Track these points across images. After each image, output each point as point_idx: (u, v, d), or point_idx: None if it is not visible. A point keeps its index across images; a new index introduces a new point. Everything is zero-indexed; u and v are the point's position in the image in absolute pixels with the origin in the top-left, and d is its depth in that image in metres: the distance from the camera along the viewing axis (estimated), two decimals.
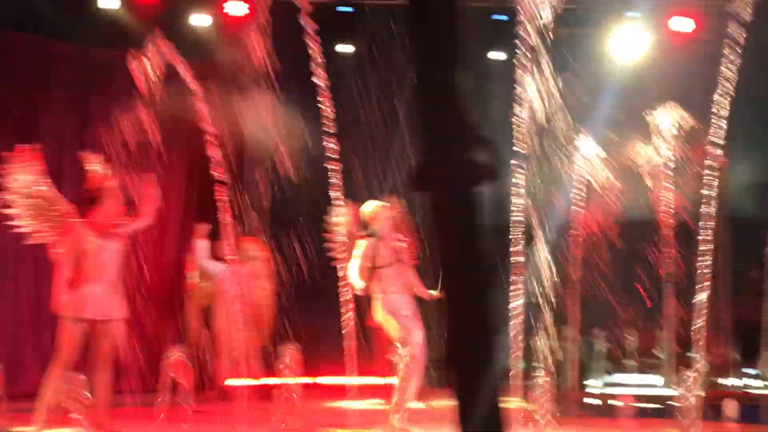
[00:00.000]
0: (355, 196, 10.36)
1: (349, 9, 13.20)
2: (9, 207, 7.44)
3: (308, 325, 10.77)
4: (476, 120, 2.01)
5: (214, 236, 10.79)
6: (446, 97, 2.00)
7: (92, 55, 11.51)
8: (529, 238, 8.50)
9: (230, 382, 10.12)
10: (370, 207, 8.16)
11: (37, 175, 7.46)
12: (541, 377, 6.04)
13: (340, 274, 8.82)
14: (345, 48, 13.12)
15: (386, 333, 9.31)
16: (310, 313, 11.56)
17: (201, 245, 9.82)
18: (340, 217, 9.59)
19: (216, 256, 10.05)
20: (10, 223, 7.74)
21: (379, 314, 7.91)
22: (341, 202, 9.64)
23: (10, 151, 7.59)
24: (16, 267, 10.64)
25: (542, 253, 9.05)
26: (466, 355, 2.05)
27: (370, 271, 7.95)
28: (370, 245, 7.95)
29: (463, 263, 2.01)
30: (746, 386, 10.55)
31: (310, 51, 9.81)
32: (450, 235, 2.01)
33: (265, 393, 9.87)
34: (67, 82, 11.27)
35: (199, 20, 11.96)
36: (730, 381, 10.71)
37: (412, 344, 7.45)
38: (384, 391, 9.35)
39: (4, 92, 10.68)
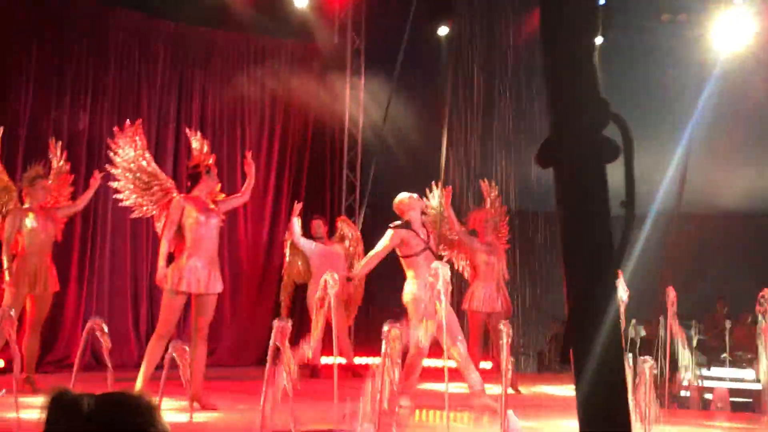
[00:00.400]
0: (448, 180, 10.41)
1: None
2: (114, 181, 7.65)
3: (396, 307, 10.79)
4: (605, 96, 1.97)
5: (310, 215, 10.91)
6: (576, 72, 1.96)
7: (192, 32, 11.70)
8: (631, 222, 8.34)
9: (322, 360, 10.22)
10: (401, 197, 8.16)
11: (140, 150, 7.62)
12: (647, 368, 5.93)
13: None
14: (444, 30, 13.06)
15: (474, 321, 9.32)
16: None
17: (296, 223, 9.90)
18: (433, 199, 9.62)
19: (311, 234, 10.13)
20: (114, 196, 7.96)
21: (407, 296, 7.93)
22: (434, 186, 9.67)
23: (113, 126, 7.77)
24: (114, 240, 10.88)
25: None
26: (587, 340, 2.00)
27: (381, 260, 8.14)
28: (397, 234, 7.95)
29: (589, 243, 1.97)
30: None
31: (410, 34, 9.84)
32: (576, 214, 1.97)
33: (355, 372, 9.96)
34: (167, 59, 11.46)
35: (301, 1, 12.03)
36: None
37: (416, 336, 7.43)
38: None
39: (107, 67, 10.92)
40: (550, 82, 1.99)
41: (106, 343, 5.08)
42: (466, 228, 9.47)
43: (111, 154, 7.64)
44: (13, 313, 5.73)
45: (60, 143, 8.69)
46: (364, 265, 8.32)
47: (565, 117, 1.94)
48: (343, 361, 9.51)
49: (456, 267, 9.42)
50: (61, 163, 8.60)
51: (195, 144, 7.77)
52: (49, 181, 8.37)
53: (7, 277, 7.90)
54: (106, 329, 5.09)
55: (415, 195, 8.28)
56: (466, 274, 9.60)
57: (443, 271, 6.05)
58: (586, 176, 1.94)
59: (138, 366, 10.12)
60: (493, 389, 9.19)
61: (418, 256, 7.98)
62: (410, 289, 8.00)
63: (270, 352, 5.20)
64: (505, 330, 5.59)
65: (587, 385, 1.98)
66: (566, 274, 2.02)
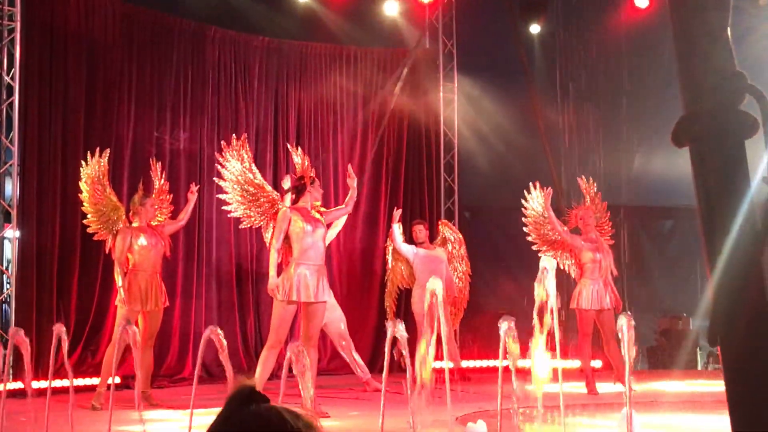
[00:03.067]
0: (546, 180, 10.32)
1: None
2: (222, 193, 7.82)
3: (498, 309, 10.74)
4: (742, 70, 1.92)
5: (409, 220, 10.94)
6: (711, 47, 1.92)
7: (285, 46, 11.84)
8: None
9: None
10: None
11: (247, 163, 7.80)
12: None
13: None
14: (536, 29, 12.97)
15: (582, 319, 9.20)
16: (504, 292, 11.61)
17: (397, 230, 9.92)
18: (532, 201, 9.55)
19: (412, 239, 10.13)
20: (222, 208, 8.13)
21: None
22: (534, 187, 9.59)
23: (212, 142, 7.93)
24: (217, 253, 11.05)
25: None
26: (732, 322, 1.94)
27: None
28: None
29: (731, 222, 1.92)
30: None
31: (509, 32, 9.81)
32: (717, 191, 1.93)
33: (463, 375, 9.92)
34: (262, 73, 11.62)
35: (391, 8, 12.09)
36: None
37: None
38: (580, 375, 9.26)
39: (204, 84, 11.12)
40: (681, 61, 1.95)
41: (222, 349, 5.15)
42: (568, 227, 9.36)
43: (219, 167, 7.83)
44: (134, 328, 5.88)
45: (159, 163, 8.87)
46: None
47: (702, 92, 1.91)
48: (451, 365, 9.47)
49: (561, 266, 9.31)
50: (162, 181, 8.77)
51: (296, 159, 7.89)
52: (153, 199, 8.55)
53: (121, 295, 8.08)
54: (221, 335, 5.17)
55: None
56: (572, 273, 9.48)
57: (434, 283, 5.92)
58: (726, 152, 1.90)
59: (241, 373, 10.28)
60: (605, 386, 9.10)
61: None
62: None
63: (387, 356, 5.22)
64: (626, 322, 5.46)
65: (739, 382, 1.92)
66: (707, 254, 1.98)
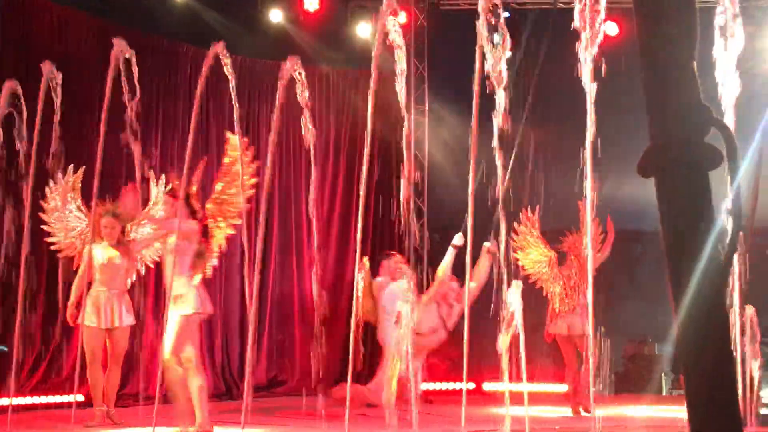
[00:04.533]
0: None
1: (506, 14, 13.15)
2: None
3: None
4: (707, 102, 1.96)
5: (379, 243, 10.95)
6: (676, 80, 1.95)
7: (257, 65, 11.85)
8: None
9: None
10: None
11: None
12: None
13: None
14: (507, 54, 13.03)
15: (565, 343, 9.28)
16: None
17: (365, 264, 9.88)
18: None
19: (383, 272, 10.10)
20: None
21: None
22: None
23: (183, 158, 7.84)
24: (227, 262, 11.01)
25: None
26: (696, 351, 1.97)
27: None
28: None
29: (694, 254, 1.95)
30: None
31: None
32: (681, 223, 1.96)
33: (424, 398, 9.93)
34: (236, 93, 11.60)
35: (364, 30, 12.17)
36: None
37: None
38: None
39: (177, 101, 11.10)
40: (649, 92, 1.99)
41: None
42: (561, 250, 9.50)
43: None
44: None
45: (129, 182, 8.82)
46: None
47: (667, 125, 1.94)
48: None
49: (546, 293, 9.45)
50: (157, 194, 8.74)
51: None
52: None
53: (70, 309, 8.04)
54: None
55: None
56: (555, 301, 9.55)
57: None
58: (691, 184, 1.93)
59: (213, 397, 10.25)
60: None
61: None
62: None
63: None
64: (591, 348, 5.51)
65: (700, 411, 1.96)
66: (673, 283, 2.00)
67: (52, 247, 8.47)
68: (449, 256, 9.27)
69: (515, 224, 9.66)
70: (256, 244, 6.96)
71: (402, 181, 8.45)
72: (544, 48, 12.69)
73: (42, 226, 8.55)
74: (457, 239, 9.22)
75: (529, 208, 9.75)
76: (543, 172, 13.20)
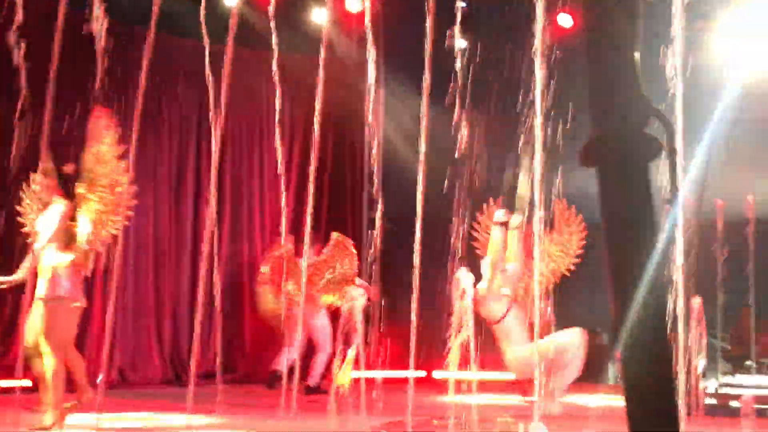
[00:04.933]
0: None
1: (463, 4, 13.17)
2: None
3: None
4: (648, 94, 1.98)
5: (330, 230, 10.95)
6: (617, 71, 1.98)
7: (213, 50, 11.73)
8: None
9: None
10: None
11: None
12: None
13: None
14: (461, 43, 13.07)
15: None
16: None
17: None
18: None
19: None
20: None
21: None
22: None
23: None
24: (136, 257, 10.94)
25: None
26: (633, 345, 1.99)
27: None
28: None
29: (633, 243, 1.98)
30: None
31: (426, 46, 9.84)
32: (621, 213, 1.98)
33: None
34: (189, 77, 11.55)
35: (319, 16, 12.12)
36: None
37: None
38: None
39: (127, 85, 11.00)
40: (591, 83, 2.01)
41: None
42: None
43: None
44: None
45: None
46: None
47: (607, 116, 1.96)
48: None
49: None
50: None
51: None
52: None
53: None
54: None
55: None
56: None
57: None
58: (630, 175, 1.95)
59: (163, 383, 10.21)
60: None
61: None
62: None
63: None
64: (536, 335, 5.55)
65: (637, 390, 1.98)
66: (611, 275, 2.03)
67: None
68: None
69: (477, 214, 9.73)
70: (206, 231, 6.90)
71: (360, 168, 8.49)
72: (500, 39, 12.73)
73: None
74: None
75: (491, 199, 9.82)
76: (496, 160, 13.26)
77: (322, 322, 10.17)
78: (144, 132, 10.54)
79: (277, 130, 9.38)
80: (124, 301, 10.80)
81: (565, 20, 12.10)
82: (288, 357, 9.18)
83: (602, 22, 1.97)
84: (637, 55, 2.02)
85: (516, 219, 8.60)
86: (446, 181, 10.67)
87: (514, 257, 8.56)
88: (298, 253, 9.94)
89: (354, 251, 10.26)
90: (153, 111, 11.15)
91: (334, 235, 9.73)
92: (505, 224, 8.66)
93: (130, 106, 10.80)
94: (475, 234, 9.77)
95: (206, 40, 7.75)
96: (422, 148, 6.40)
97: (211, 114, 7.69)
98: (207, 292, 7.80)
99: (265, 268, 10.25)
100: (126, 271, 10.85)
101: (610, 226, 2.00)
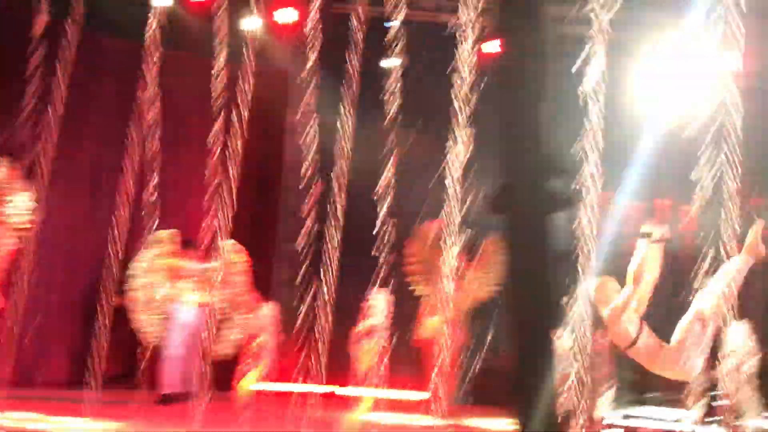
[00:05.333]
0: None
1: (395, 23, 13.24)
2: None
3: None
4: (556, 150, 2.05)
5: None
6: (528, 127, 2.05)
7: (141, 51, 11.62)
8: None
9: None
10: None
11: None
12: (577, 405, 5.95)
13: None
14: (390, 63, 13.14)
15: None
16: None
17: None
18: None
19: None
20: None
21: None
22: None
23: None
24: (49, 255, 10.75)
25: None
26: (528, 375, 2.08)
27: None
28: None
29: (533, 288, 2.05)
30: None
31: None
32: (522, 260, 2.06)
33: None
34: (118, 77, 11.43)
35: (251, 24, 12.08)
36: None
37: None
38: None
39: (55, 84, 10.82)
40: (501, 134, 2.07)
41: None
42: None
43: None
44: None
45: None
46: None
47: (514, 168, 2.03)
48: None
49: None
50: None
51: None
52: None
53: None
54: None
55: None
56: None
57: None
58: (532, 225, 2.03)
59: (70, 383, 10.04)
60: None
61: None
62: None
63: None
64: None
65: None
66: (513, 317, 2.10)
67: None
68: (645, 248, 7.00)
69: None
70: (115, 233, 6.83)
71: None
72: (427, 59, 12.83)
73: None
74: (648, 228, 6.95)
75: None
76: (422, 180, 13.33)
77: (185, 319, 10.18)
78: (62, 132, 10.45)
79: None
80: (31, 301, 10.60)
81: (492, 47, 12.22)
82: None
83: (510, 72, 2.04)
84: (548, 108, 2.09)
85: (658, 231, 7.42)
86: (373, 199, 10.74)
87: (651, 272, 7.59)
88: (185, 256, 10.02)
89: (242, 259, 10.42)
90: (73, 110, 10.98)
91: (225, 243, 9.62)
92: (649, 236, 7.39)
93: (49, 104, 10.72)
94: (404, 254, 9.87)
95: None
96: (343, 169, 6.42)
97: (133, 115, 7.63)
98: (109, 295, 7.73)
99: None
100: (40, 272, 10.67)
101: (511, 268, 2.08)
